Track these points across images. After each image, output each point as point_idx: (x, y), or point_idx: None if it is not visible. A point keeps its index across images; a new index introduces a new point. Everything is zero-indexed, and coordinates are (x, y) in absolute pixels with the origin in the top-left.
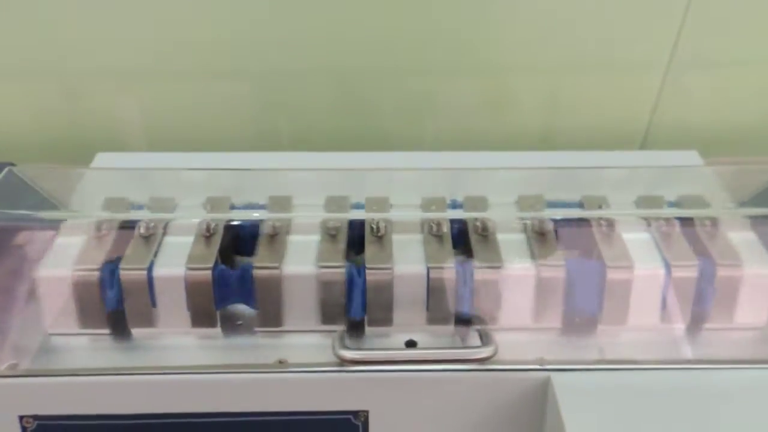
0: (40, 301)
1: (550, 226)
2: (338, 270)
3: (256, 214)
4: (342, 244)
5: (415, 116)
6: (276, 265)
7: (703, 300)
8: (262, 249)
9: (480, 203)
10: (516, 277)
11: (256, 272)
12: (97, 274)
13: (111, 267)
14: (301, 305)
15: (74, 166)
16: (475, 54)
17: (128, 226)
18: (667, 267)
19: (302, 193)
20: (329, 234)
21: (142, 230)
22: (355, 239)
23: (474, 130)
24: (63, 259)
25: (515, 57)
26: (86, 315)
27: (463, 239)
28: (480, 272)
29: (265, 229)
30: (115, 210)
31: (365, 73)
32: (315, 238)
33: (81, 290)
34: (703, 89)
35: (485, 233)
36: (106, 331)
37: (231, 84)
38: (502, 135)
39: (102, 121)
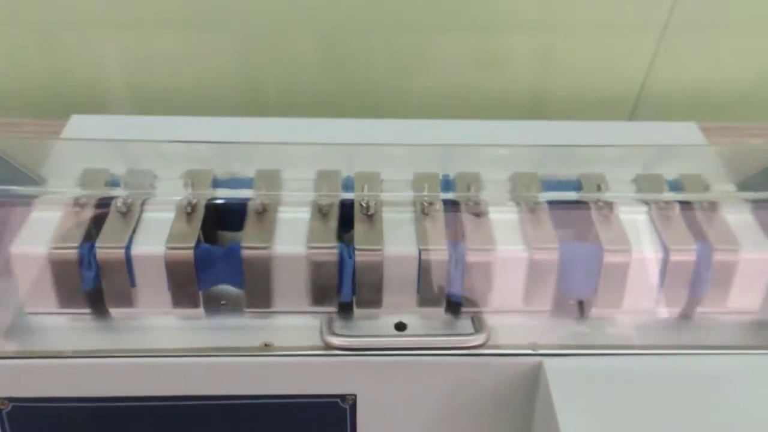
0: (16, 279)
1: (545, 206)
2: (330, 251)
3: (244, 193)
4: (333, 223)
5: (405, 72)
6: (266, 245)
7: (700, 284)
8: (249, 227)
9: (473, 180)
10: (508, 259)
11: (245, 252)
12: (75, 252)
13: (89, 245)
14: (290, 286)
15: (50, 123)
16: (466, 10)
17: (107, 201)
18: (665, 251)
19: (289, 165)
20: (320, 212)
21: (119, 205)
22: (345, 216)
23: (464, 88)
24: (39, 235)
25: (508, 14)
26: (64, 294)
27: (453, 218)
28: (471, 254)
29: (252, 206)
30: (93, 183)
31: (354, 29)
32: (305, 215)
33: (58, 269)
34: (699, 52)
35: (477, 213)
36: (85, 310)
37: (217, 39)
38: (491, 93)
39: (82, 74)
